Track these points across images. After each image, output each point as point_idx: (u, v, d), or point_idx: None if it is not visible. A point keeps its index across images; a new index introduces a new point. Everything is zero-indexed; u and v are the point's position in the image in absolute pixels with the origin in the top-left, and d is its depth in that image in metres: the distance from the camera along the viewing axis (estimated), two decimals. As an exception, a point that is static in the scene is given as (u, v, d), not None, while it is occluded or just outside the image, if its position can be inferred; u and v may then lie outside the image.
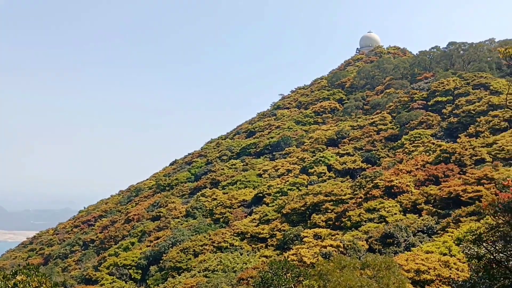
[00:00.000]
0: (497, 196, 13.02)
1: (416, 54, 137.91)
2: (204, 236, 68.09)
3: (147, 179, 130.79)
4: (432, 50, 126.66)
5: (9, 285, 14.36)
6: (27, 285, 14.60)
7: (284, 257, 43.44)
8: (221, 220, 77.32)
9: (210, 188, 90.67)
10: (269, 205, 74.82)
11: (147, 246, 75.54)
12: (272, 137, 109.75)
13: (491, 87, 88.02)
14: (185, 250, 65.06)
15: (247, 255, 58.66)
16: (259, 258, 55.72)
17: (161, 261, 66.58)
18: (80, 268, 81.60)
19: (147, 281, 65.16)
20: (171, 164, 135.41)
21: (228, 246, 63.05)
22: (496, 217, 13.12)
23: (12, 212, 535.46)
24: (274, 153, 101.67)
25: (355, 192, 64.73)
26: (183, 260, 63.18)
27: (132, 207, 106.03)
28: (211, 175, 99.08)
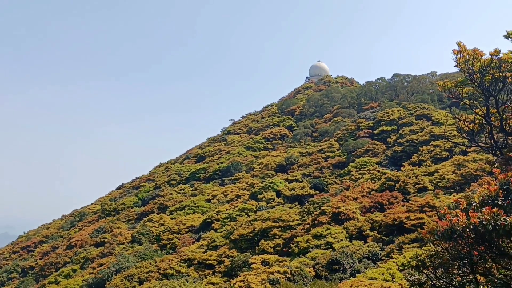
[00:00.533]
0: (437, 224, 13.43)
1: (363, 84, 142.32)
2: (150, 263, 66.34)
3: (91, 204, 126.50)
4: (378, 81, 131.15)
5: None
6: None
7: (231, 284, 43.04)
8: (168, 246, 75.73)
9: (157, 213, 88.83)
10: (218, 230, 74.08)
11: (90, 273, 72.67)
12: (222, 163, 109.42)
13: (433, 118, 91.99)
14: (130, 278, 63.06)
15: (194, 282, 57.51)
16: (206, 285, 54.79)
17: (104, 289, 64.26)
18: (16, 297, 77.49)
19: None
20: (118, 188, 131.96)
21: (175, 273, 61.61)
22: (436, 245, 13.53)
23: None
24: (223, 178, 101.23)
25: (303, 218, 65.26)
26: (127, 288, 61.25)
27: (75, 233, 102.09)
28: (159, 200, 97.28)
